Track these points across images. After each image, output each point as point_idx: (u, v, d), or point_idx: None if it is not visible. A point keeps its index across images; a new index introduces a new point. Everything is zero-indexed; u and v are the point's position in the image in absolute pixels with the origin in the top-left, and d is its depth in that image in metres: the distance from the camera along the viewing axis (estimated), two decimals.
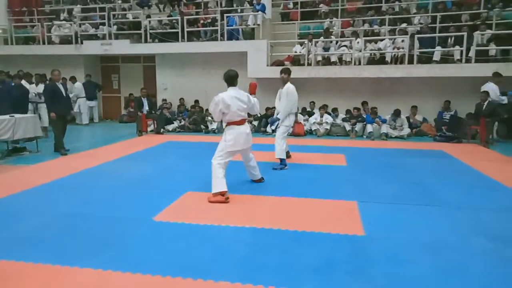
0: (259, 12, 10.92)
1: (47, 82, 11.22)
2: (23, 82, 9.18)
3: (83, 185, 5.10)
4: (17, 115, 7.12)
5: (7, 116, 6.91)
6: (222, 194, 4.37)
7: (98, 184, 5.14)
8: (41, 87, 9.53)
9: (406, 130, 9.44)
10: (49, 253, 3.04)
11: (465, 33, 9.00)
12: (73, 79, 12.12)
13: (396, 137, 9.30)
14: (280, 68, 6.64)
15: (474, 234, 3.50)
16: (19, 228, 3.59)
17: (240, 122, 4.59)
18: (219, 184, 4.38)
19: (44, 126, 8.93)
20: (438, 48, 9.51)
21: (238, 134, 4.54)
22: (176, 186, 4.95)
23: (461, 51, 9.18)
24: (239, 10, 11.89)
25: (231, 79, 4.59)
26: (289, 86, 6.02)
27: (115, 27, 12.28)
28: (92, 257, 2.97)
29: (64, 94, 7.48)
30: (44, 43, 12.68)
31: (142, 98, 10.04)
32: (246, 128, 4.67)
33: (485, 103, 8.22)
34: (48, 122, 9.51)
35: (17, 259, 2.94)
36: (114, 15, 12.44)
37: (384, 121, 9.36)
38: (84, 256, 3.00)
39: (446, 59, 9.57)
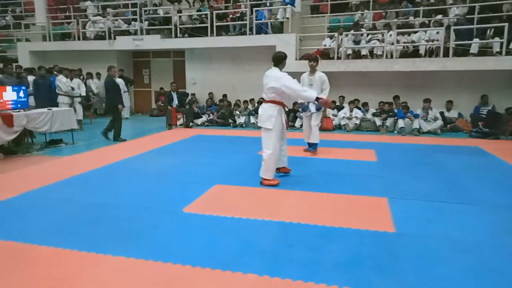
0: (288, 5, 10.82)
1: (87, 77, 11.69)
2: (61, 76, 9.55)
3: (115, 176, 5.27)
4: (54, 109, 7.44)
5: (45, 109, 7.23)
6: None
7: (129, 176, 5.29)
8: (75, 82, 9.91)
9: (439, 123, 9.10)
10: (83, 241, 3.16)
11: (506, 24, 8.55)
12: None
13: (428, 132, 8.99)
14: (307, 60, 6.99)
15: (508, 234, 3.34)
16: (54, 216, 3.75)
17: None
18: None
19: (79, 119, 9.29)
20: (476, 40, 9.09)
21: None
22: (205, 179, 5.02)
23: (501, 43, 8.74)
24: (268, 4, 11.83)
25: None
26: (322, 74, 6.40)
27: (146, 22, 12.53)
28: (124, 246, 3.07)
29: (120, 88, 8.38)
30: (79, 39, 13.14)
31: (172, 93, 10.22)
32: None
33: None
34: (82, 115, 9.92)
35: (54, 245, 3.08)
36: (145, 11, 12.70)
37: (416, 116, 9.08)
38: (117, 244, 3.10)
39: (484, 51, 9.13)
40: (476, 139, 8.18)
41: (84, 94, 10.27)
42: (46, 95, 8.92)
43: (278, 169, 5.12)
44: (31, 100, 8.39)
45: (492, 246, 3.10)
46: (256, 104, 10.52)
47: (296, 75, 6.56)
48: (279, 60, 4.79)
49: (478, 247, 3.09)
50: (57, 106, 8.68)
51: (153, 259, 2.85)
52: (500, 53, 8.81)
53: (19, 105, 6.91)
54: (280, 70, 4.75)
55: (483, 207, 4.02)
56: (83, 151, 7.08)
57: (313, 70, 6.42)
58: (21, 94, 6.95)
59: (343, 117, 9.80)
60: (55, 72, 10.37)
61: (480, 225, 3.54)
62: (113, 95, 8.06)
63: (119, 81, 12.34)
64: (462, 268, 2.74)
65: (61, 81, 9.34)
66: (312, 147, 6.57)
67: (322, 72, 6.49)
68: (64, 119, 7.48)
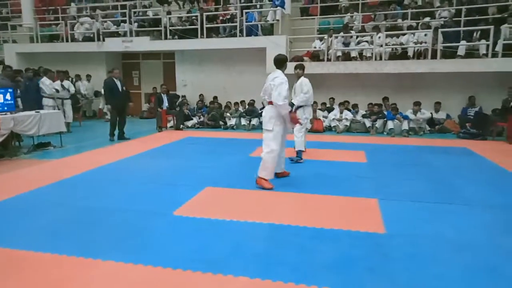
0: (278, 7, 10.86)
1: (76, 79, 11.55)
2: (44, 78, 9.39)
3: (105, 179, 5.21)
4: (42, 111, 7.34)
5: (33, 112, 7.12)
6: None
7: (119, 179, 5.24)
8: (65, 83, 9.78)
9: (425, 117, 9.34)
10: (73, 246, 3.12)
11: (491, 27, 8.70)
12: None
13: (413, 130, 9.13)
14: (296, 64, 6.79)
15: (502, 233, 3.38)
16: (44, 221, 3.70)
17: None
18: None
19: (67, 122, 9.17)
20: (463, 42, 9.23)
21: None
22: (195, 182, 5.00)
23: (487, 45, 8.89)
24: (258, 6, 11.85)
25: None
26: (303, 79, 6.22)
27: (136, 24, 12.44)
28: (114, 250, 3.03)
29: (120, 89, 8.38)
30: (67, 41, 12.98)
31: (162, 95, 10.17)
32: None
33: None
34: (71, 118, 9.82)
35: (43, 250, 3.03)
36: (135, 12, 12.61)
37: (405, 118, 9.17)
38: (106, 249, 3.06)
39: (471, 53, 9.28)
40: (464, 140, 8.29)
41: (72, 92, 10.11)
42: (33, 98, 8.78)
43: (277, 174, 5.06)
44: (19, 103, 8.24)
45: (484, 246, 3.14)
46: (247, 106, 10.52)
47: (287, 77, 6.58)
48: (279, 62, 4.92)
49: (469, 246, 3.12)
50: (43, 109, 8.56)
51: (143, 263, 2.82)
52: (486, 55, 8.96)
53: (5, 108, 6.78)
54: (283, 72, 4.84)
55: (473, 207, 4.07)
56: (72, 154, 6.99)
57: (298, 77, 6.26)
58: (8, 96, 6.83)
59: (333, 119, 9.84)
60: (41, 74, 10.21)
61: (471, 224, 3.59)
62: (106, 95, 8.42)
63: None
64: (455, 268, 2.76)
65: (45, 83, 9.19)
66: (297, 155, 6.24)
67: (312, 73, 6.46)
68: (52, 121, 7.37)
